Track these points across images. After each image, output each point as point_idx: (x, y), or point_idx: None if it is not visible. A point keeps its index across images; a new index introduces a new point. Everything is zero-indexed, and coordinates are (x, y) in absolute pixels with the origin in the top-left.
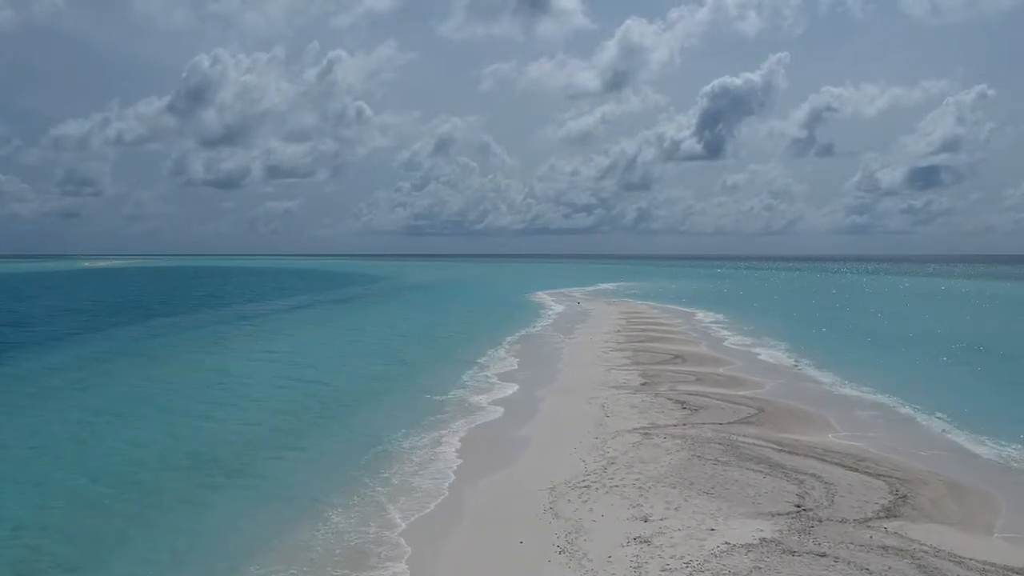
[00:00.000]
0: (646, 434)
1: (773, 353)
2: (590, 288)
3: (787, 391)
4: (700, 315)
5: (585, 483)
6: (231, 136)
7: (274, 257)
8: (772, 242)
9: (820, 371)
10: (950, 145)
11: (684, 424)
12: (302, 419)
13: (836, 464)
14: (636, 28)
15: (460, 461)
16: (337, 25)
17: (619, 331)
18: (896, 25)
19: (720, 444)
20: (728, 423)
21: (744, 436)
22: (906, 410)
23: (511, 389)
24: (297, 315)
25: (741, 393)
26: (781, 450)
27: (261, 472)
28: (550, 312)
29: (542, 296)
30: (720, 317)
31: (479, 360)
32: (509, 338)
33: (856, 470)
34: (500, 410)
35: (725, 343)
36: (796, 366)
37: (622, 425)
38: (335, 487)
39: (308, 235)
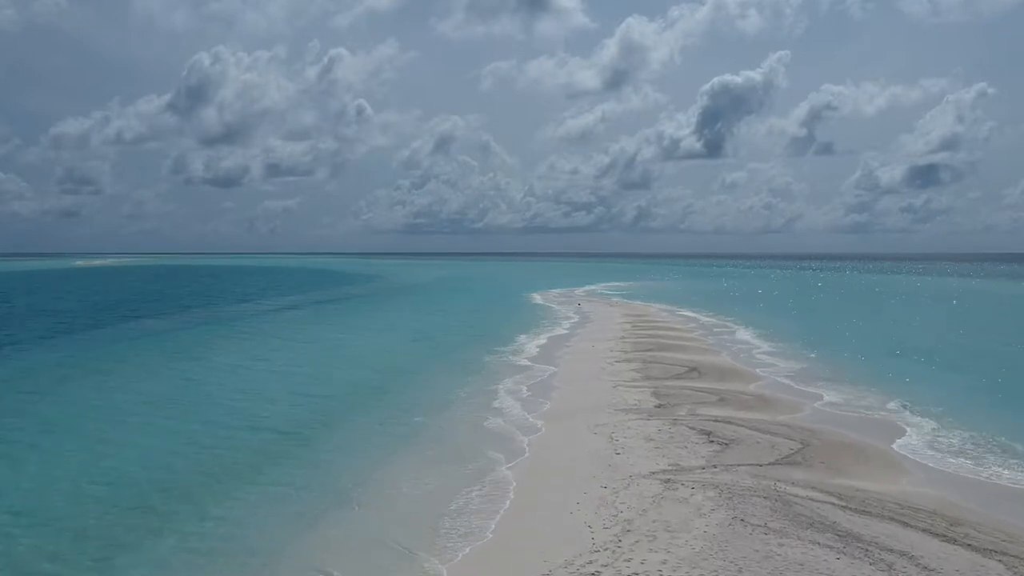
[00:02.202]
0: (668, 482)
1: (801, 366)
2: (590, 288)
3: (831, 416)
4: (710, 318)
5: (593, 567)
6: (231, 135)
7: (273, 255)
8: (771, 240)
9: (864, 389)
10: (949, 144)
11: (714, 466)
12: (254, 451)
13: (926, 531)
14: (636, 26)
15: (417, 531)
16: (337, 24)
17: (624, 337)
18: (896, 24)
19: (766, 498)
20: (769, 464)
21: (794, 485)
22: (981, 443)
23: (497, 415)
24: (283, 317)
25: (777, 419)
26: (846, 507)
27: (198, 530)
28: (548, 316)
29: (541, 297)
30: (731, 320)
31: (466, 377)
32: (503, 348)
33: (955, 541)
34: (483, 443)
35: (743, 352)
36: (832, 382)
37: (637, 466)
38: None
39: (308, 234)
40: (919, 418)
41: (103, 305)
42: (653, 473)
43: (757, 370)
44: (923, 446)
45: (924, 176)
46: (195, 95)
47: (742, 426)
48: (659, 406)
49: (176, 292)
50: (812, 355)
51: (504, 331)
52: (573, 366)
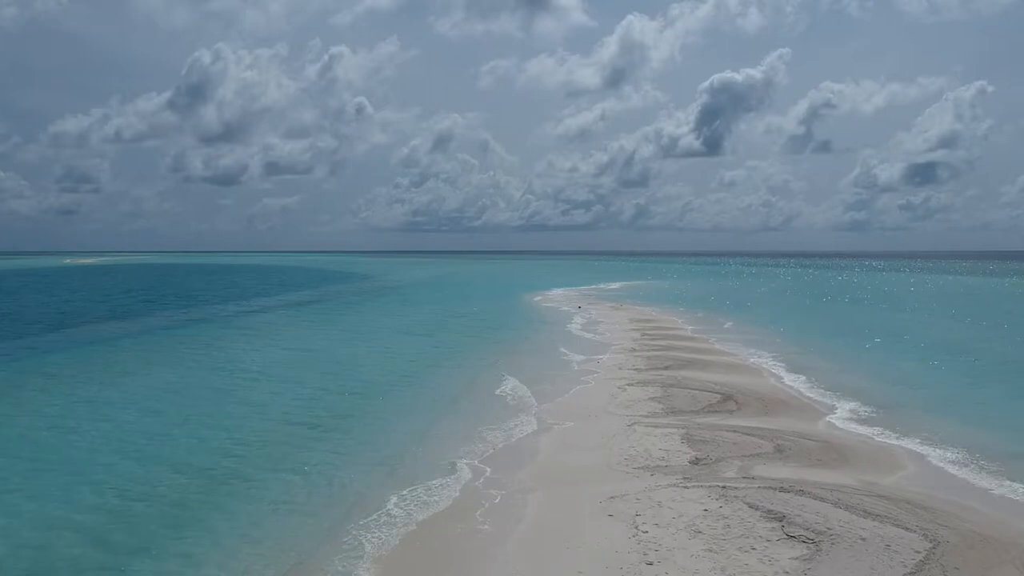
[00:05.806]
0: None
1: (862, 390)
2: (591, 287)
3: (946, 480)
4: (726, 324)
5: None
6: (230, 132)
7: (272, 254)
8: (770, 238)
9: (969, 428)
10: (948, 141)
11: None
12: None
13: None
14: (637, 24)
15: None
16: (338, 22)
17: (634, 350)
18: (895, 22)
19: None
20: None
21: None
22: None
23: (472, 476)
24: (260, 320)
25: (870, 484)
26: None
27: None
28: (546, 321)
29: (539, 299)
30: (749, 326)
31: (438, 409)
32: (490, 364)
33: None
34: (443, 525)
35: (778, 370)
36: (917, 413)
37: None
38: None
39: (306, 232)
40: None
41: (68, 307)
42: None
43: (806, 397)
44: None
45: (922, 174)
46: (195, 93)
47: (824, 501)
48: (696, 461)
49: (159, 292)
50: (866, 374)
51: (496, 341)
52: (574, 391)
